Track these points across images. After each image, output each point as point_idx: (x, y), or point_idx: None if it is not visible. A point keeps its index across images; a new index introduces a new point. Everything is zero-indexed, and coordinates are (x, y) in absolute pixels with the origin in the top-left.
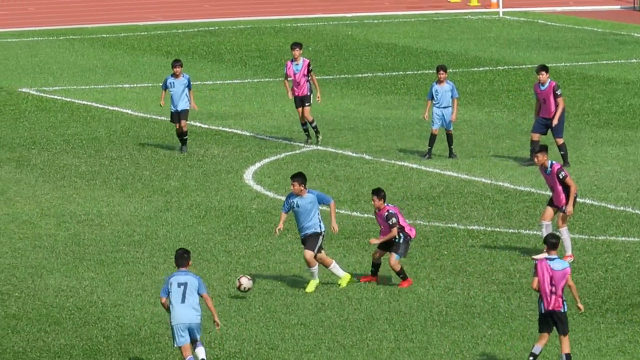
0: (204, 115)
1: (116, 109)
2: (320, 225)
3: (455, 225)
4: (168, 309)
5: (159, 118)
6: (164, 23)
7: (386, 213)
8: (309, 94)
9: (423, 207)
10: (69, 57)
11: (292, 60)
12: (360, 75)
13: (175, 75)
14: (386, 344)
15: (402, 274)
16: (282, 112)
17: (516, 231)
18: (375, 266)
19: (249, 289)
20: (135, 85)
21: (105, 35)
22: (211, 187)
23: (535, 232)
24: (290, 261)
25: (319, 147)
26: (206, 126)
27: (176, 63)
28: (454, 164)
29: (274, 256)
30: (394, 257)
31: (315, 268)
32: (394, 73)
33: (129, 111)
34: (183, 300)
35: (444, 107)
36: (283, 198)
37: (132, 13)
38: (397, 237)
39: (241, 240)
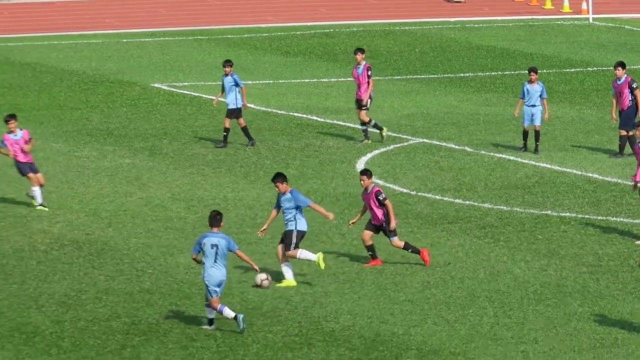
0: (320, 110)
1: None
2: (295, 223)
3: (549, 212)
4: (198, 262)
5: (279, 112)
6: (283, 25)
7: (376, 190)
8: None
9: (519, 196)
10: (197, 56)
11: (356, 65)
12: (462, 75)
13: (225, 75)
14: (486, 319)
15: (410, 248)
16: (391, 107)
17: (604, 218)
18: (370, 248)
19: (268, 284)
20: (257, 82)
21: (230, 36)
22: (326, 175)
23: (622, 219)
24: None
25: (424, 140)
26: (322, 120)
27: (226, 63)
28: (547, 156)
29: (384, 239)
30: (394, 240)
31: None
32: (493, 73)
33: (252, 105)
34: (215, 260)
35: (532, 106)
36: (392, 186)
37: (255, 16)
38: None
39: (354, 224)
